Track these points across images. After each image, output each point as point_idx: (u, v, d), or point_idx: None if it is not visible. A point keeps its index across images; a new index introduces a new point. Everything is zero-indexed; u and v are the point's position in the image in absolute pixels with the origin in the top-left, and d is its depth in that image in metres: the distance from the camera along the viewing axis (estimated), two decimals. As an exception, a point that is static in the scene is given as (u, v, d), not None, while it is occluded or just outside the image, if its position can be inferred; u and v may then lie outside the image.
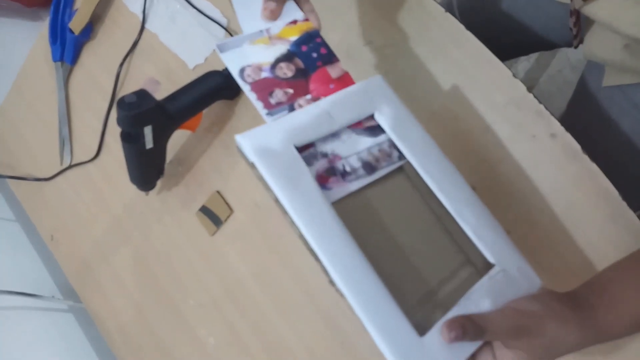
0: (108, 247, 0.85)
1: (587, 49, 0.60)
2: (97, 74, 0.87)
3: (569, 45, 0.75)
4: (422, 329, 0.38)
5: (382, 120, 0.47)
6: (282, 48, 0.49)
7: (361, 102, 0.47)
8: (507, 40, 0.72)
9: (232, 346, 0.72)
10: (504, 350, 0.38)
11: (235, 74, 0.46)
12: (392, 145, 0.46)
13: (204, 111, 0.73)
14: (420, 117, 0.49)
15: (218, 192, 0.74)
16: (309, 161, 0.43)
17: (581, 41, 0.62)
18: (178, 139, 0.77)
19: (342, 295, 0.39)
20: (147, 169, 0.71)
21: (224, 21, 0.74)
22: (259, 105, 0.45)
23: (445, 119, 0.59)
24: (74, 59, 0.88)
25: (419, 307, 0.41)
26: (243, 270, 0.72)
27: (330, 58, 0.49)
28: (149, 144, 0.66)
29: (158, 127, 0.65)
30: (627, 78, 0.57)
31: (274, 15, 0.48)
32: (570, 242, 0.52)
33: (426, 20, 0.61)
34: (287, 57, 0.48)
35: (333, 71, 0.49)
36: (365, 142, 0.46)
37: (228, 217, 0.73)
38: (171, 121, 0.67)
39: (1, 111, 0.99)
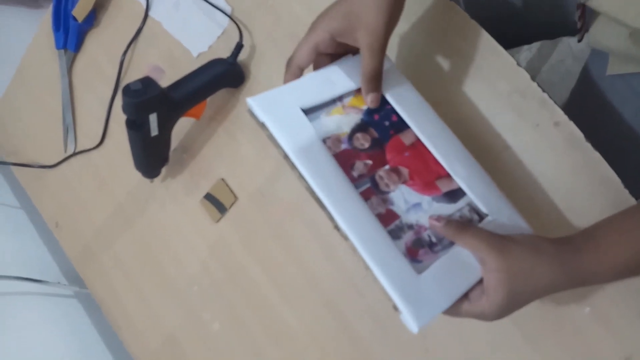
0: (112, 234, 0.85)
1: (593, 38, 0.60)
2: (100, 62, 0.87)
3: (572, 34, 0.75)
4: (419, 268, 0.43)
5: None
6: (355, 117, 0.50)
7: (357, 72, 0.50)
8: (510, 29, 0.72)
9: (236, 331, 0.73)
10: (489, 275, 0.41)
11: (316, 139, 0.47)
12: (473, 209, 0.48)
13: (209, 99, 0.73)
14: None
15: (222, 179, 0.74)
16: (396, 235, 0.45)
17: (586, 31, 0.62)
18: (183, 126, 0.78)
19: (346, 238, 0.43)
20: (152, 156, 0.71)
21: (228, 9, 0.74)
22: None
23: (448, 107, 0.59)
24: (77, 46, 0.88)
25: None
26: (247, 257, 0.72)
27: (401, 125, 0.51)
28: (154, 131, 0.66)
29: (163, 115, 0.66)
30: (631, 67, 0.57)
31: (378, 102, 0.49)
32: (572, 230, 0.53)
33: (430, 10, 0.61)
34: (362, 127, 0.49)
35: (406, 138, 0.50)
36: (447, 209, 0.47)
37: (232, 204, 0.73)
38: (176, 109, 0.68)
39: (4, 99, 1.00)
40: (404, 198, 0.47)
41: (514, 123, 0.56)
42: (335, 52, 0.52)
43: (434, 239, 0.46)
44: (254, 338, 0.72)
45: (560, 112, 0.54)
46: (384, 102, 0.51)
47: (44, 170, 0.93)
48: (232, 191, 0.73)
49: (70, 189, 0.91)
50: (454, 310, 0.43)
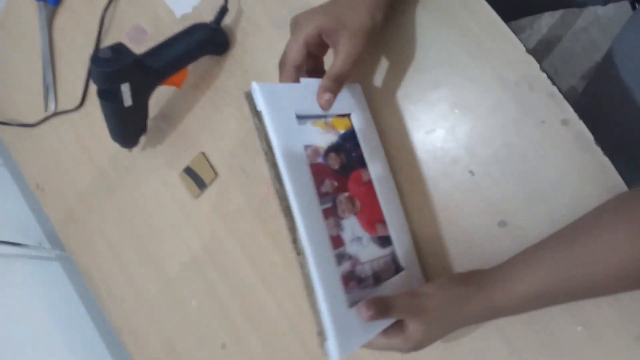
0: (94, 200, 0.82)
1: None
2: (83, 16, 0.81)
3: (598, 2, 0.68)
4: (351, 302, 0.45)
5: (354, 121, 0.54)
6: (333, 137, 0.51)
7: (346, 97, 0.54)
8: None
9: (214, 310, 0.71)
10: (411, 323, 0.45)
11: (301, 146, 0.47)
12: (394, 260, 0.52)
13: (190, 66, 0.68)
14: (424, 85, 0.54)
15: (203, 153, 0.70)
16: (338, 260, 0.46)
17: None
18: (163, 93, 0.73)
19: (299, 253, 0.44)
20: (126, 127, 0.67)
21: (215, -35, 0.67)
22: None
23: (449, 91, 0.53)
24: (57, -1, 0.82)
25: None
26: (226, 236, 0.69)
27: (363, 161, 0.53)
28: (128, 101, 0.61)
29: (137, 84, 0.60)
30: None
31: (329, 105, 0.48)
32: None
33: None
34: (336, 148, 0.50)
35: (364, 175, 0.53)
36: (376, 252, 0.51)
37: (212, 180, 0.69)
38: (152, 77, 0.62)
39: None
40: (352, 228, 0.49)
41: (518, 117, 0.50)
42: (317, 54, 0.52)
43: (362, 275, 0.48)
44: (232, 319, 0.69)
45: (570, 110, 0.48)
46: (353, 134, 0.53)
47: (25, 129, 0.89)
48: (212, 166, 0.69)
49: (52, 150, 0.87)
50: (369, 343, 0.46)
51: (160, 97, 0.73)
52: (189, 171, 0.71)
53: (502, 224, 0.51)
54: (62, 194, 0.86)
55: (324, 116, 0.51)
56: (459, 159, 0.53)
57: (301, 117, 0.48)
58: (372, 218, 0.52)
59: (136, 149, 0.76)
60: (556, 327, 0.49)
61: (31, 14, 0.85)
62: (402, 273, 0.52)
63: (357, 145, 0.53)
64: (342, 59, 0.47)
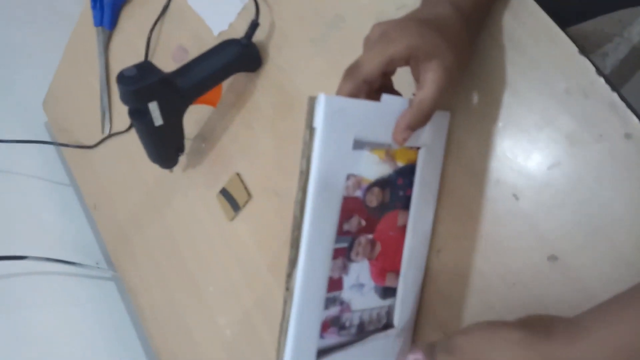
0: (142, 220, 0.83)
1: None
2: (133, 39, 0.83)
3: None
4: (322, 348, 0.42)
5: (421, 157, 0.46)
6: (387, 170, 0.44)
7: (424, 130, 0.44)
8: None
9: (248, 339, 0.67)
10: None
11: (343, 178, 0.41)
12: (388, 313, 0.48)
13: (227, 84, 0.66)
14: (460, 105, 0.47)
15: (238, 174, 0.67)
16: (327, 304, 0.42)
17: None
18: (203, 113, 0.72)
19: (287, 289, 0.40)
20: (160, 147, 0.66)
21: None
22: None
23: (491, 107, 0.46)
24: (113, 23, 0.84)
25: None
26: (259, 260, 0.65)
27: (407, 203, 0.46)
28: (158, 120, 0.60)
29: (166, 103, 0.59)
30: None
31: (404, 143, 0.42)
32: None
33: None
34: (383, 184, 0.44)
35: (402, 218, 0.47)
36: (374, 302, 0.46)
37: (246, 202, 0.66)
38: (181, 96, 0.61)
39: (57, 77, 1.00)
40: (358, 274, 0.45)
41: (570, 131, 0.42)
42: (389, 73, 0.43)
43: (347, 324, 0.45)
44: (263, 344, 0.65)
45: (635, 120, 0.39)
46: (411, 171, 0.46)
47: (85, 151, 0.92)
48: (246, 188, 0.66)
49: (107, 171, 0.89)
50: None
51: (199, 117, 0.72)
52: (224, 192, 0.69)
53: (553, 258, 0.43)
54: (114, 214, 0.88)
55: (389, 144, 0.43)
56: (501, 181, 0.45)
57: (360, 142, 0.41)
58: (387, 266, 0.47)
59: (178, 170, 0.75)
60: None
61: (91, 41, 0.89)
62: (390, 331, 0.48)
63: (409, 184, 0.46)
64: (434, 89, 0.39)
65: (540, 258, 0.43)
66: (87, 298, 0.88)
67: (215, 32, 0.69)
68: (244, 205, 0.66)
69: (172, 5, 0.76)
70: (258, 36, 0.63)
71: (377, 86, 0.41)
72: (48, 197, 0.95)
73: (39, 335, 0.79)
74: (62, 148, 0.98)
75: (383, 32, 0.41)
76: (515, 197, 0.45)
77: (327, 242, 0.40)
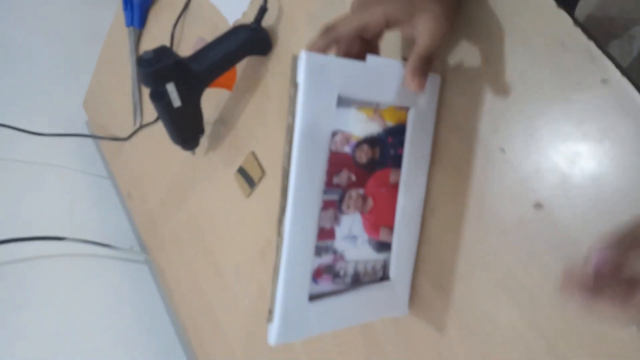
0: (169, 205, 0.88)
1: None
2: (160, 36, 0.89)
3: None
4: (313, 292, 0.45)
5: (411, 117, 0.48)
6: (375, 128, 0.47)
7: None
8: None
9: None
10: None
11: (328, 133, 0.43)
12: (384, 267, 0.50)
13: (241, 69, 0.70)
14: (450, 68, 0.49)
15: (253, 152, 0.71)
16: (320, 252, 0.45)
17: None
18: (221, 98, 0.76)
19: (280, 235, 0.43)
20: (180, 127, 0.71)
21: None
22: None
23: (469, 61, 0.48)
24: (142, 23, 0.91)
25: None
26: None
27: (399, 162, 0.49)
28: (176, 102, 0.65)
29: (183, 85, 0.64)
30: None
31: (423, 87, 0.43)
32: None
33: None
34: (372, 142, 0.47)
35: (394, 176, 0.49)
36: (369, 254, 0.49)
37: (260, 178, 0.70)
38: (197, 79, 0.66)
39: (96, 75, 1.08)
40: (350, 226, 0.47)
41: (551, 82, 0.43)
42: (370, 40, 0.46)
43: (341, 272, 0.47)
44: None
45: (612, 66, 0.40)
46: (401, 130, 0.48)
47: (121, 143, 0.99)
48: (260, 165, 0.70)
49: (139, 161, 0.95)
50: None
51: (218, 103, 0.77)
52: (241, 170, 0.73)
53: (538, 206, 0.44)
54: (146, 201, 0.93)
55: (377, 103, 0.46)
56: (489, 137, 0.47)
57: (346, 100, 0.44)
58: (380, 221, 0.49)
59: (200, 154, 0.80)
60: (607, 328, 0.40)
61: (124, 40, 0.96)
62: (386, 283, 0.50)
63: (400, 143, 0.48)
64: (429, 37, 0.42)
65: (527, 206, 0.45)
66: (122, 279, 0.94)
67: (230, 22, 0.74)
68: (258, 182, 0.70)
69: (192, 1, 0.81)
70: (267, 21, 0.67)
71: (356, 50, 0.44)
72: (87, 188, 1.03)
73: (75, 312, 0.85)
74: (100, 142, 1.05)
75: (361, 3, 0.44)
76: (502, 150, 0.46)
77: (315, 191, 0.43)
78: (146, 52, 0.61)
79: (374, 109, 0.46)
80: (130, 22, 0.91)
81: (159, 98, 0.65)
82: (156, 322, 0.92)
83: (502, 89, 0.46)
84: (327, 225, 0.45)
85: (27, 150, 0.97)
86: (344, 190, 0.46)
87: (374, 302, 0.50)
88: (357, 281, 0.49)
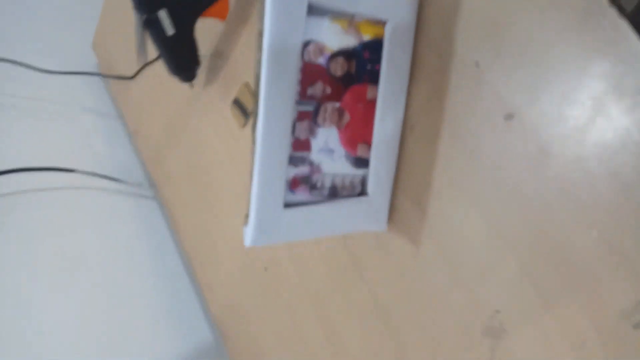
0: (173, 140, 0.90)
1: None
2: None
3: None
4: (289, 201, 0.47)
5: (387, 32, 0.48)
6: (351, 41, 0.47)
7: (388, 1, 0.47)
8: None
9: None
10: None
11: (299, 41, 0.44)
12: (362, 182, 0.51)
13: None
14: None
15: (247, 83, 0.72)
16: (296, 162, 0.46)
17: None
18: (217, 30, 0.77)
19: (253, 142, 0.44)
20: (174, 56, 0.72)
21: None
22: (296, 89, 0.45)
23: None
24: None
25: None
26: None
27: (376, 78, 0.49)
28: (170, 29, 0.66)
29: (176, 12, 0.65)
30: None
31: None
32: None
33: None
34: (348, 55, 0.47)
35: (371, 92, 0.49)
36: (346, 169, 0.50)
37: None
38: (191, 6, 0.67)
39: (103, 16, 1.09)
40: (326, 139, 0.48)
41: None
42: None
43: (319, 184, 0.48)
44: (274, 249, 0.71)
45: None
46: (378, 45, 0.48)
47: (128, 82, 1.01)
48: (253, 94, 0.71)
49: (144, 98, 0.97)
50: None
51: (214, 34, 0.77)
52: (236, 102, 0.74)
53: (509, 116, 0.44)
54: (151, 137, 0.96)
55: (352, 15, 0.46)
56: (465, 53, 0.47)
57: (318, 9, 0.44)
58: (357, 137, 0.49)
59: (199, 87, 0.81)
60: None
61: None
62: (364, 198, 0.51)
63: (378, 59, 0.49)
64: None
65: (498, 118, 0.45)
66: (131, 214, 0.98)
67: (225, -50, 0.74)
68: (251, 112, 0.72)
69: None
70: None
71: None
72: (96, 125, 1.06)
73: (84, 245, 0.90)
74: (109, 82, 1.07)
75: None
76: (477, 64, 0.46)
77: (287, 99, 0.44)
78: (137, -22, 0.62)
79: (348, 20, 0.46)
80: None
81: (153, 26, 0.66)
82: (164, 252, 0.96)
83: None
84: (302, 136, 0.47)
85: (37, 88, 1.00)
86: (319, 102, 0.47)
87: (351, 216, 0.51)
88: (335, 194, 0.50)
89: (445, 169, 0.49)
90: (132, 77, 0.99)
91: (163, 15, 0.64)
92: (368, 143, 0.51)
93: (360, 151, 0.51)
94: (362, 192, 0.52)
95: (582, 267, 0.41)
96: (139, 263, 0.93)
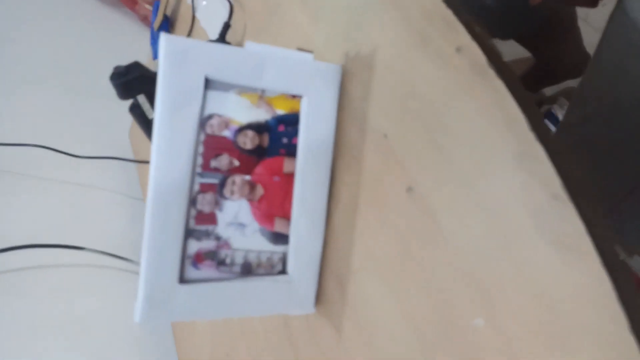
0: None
1: None
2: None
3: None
4: (189, 276, 0.45)
5: (304, 107, 0.47)
6: (262, 116, 0.47)
7: (303, 77, 0.47)
8: None
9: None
10: None
11: (196, 115, 0.44)
12: (282, 259, 0.49)
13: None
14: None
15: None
16: (199, 236, 0.45)
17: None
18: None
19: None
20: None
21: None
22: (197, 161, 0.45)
23: (364, 50, 0.47)
24: (163, 54, 1.00)
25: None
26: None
27: (294, 151, 0.48)
28: (150, 113, 0.71)
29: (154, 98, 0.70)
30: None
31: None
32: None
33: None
34: (259, 128, 0.46)
35: (288, 165, 0.48)
36: (262, 245, 0.48)
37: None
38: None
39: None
40: (236, 212, 0.46)
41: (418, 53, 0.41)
42: None
43: (228, 260, 0.46)
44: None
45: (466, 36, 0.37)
46: (294, 120, 0.48)
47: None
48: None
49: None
50: None
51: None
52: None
53: (410, 190, 0.41)
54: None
55: (262, 90, 0.46)
56: (376, 126, 0.45)
57: (220, 83, 0.45)
58: (274, 211, 0.48)
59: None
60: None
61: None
62: (284, 277, 0.48)
63: (294, 132, 0.48)
64: None
65: (401, 191, 0.42)
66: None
67: (212, 37, 0.79)
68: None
69: (195, 27, 0.89)
70: (231, 37, 0.71)
71: None
72: (120, 206, 1.12)
73: (90, 320, 0.92)
74: (139, 167, 1.15)
75: None
76: (385, 136, 0.44)
77: (182, 171, 0.44)
78: (118, 67, 0.68)
79: (258, 95, 0.47)
80: (155, 56, 1.01)
81: (136, 110, 0.71)
82: (164, 340, 0.95)
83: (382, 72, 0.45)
84: (206, 209, 0.46)
85: (70, 171, 1.10)
86: (225, 175, 0.46)
87: (269, 296, 0.48)
88: (249, 272, 0.48)
89: (361, 242, 0.46)
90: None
91: (142, 99, 0.69)
92: (287, 218, 0.49)
93: (278, 226, 0.49)
94: (283, 271, 0.49)
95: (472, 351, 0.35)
96: (141, 341, 0.93)
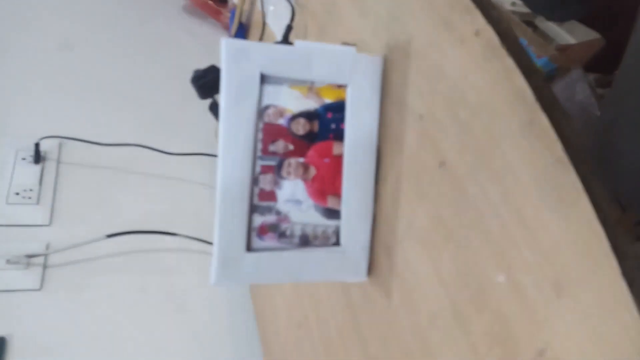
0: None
1: None
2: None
3: None
4: (255, 246, 0.52)
5: (349, 95, 0.53)
6: (312, 105, 0.53)
7: (346, 68, 0.52)
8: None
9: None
10: None
11: (254, 106, 0.51)
12: (335, 232, 0.54)
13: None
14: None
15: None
16: (262, 211, 0.51)
17: None
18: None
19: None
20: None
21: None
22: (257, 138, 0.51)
23: (401, 39, 0.52)
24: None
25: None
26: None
27: (342, 135, 0.54)
28: (226, 111, 0.80)
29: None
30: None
31: None
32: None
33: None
34: (309, 116, 0.52)
35: (337, 148, 0.54)
36: (317, 219, 0.54)
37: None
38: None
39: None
40: (292, 191, 0.52)
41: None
42: None
43: (288, 232, 0.52)
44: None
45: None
46: (341, 107, 0.53)
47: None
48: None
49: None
50: None
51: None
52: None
53: (442, 164, 0.45)
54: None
55: (311, 82, 0.52)
56: (415, 108, 0.50)
57: (275, 78, 0.51)
58: (326, 190, 0.54)
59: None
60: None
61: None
62: (338, 248, 0.53)
63: (342, 118, 0.54)
64: None
65: (434, 166, 0.46)
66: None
67: (279, 39, 0.87)
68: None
69: (265, 31, 0.97)
70: (294, 37, 0.78)
71: None
72: (207, 197, 1.24)
73: (180, 300, 1.03)
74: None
75: None
76: (421, 117, 0.49)
77: (246, 155, 0.51)
78: (197, 70, 0.77)
79: (308, 87, 0.53)
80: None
81: (213, 108, 0.80)
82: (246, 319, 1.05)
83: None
84: (267, 188, 0.53)
85: (164, 166, 1.23)
86: (282, 158, 0.53)
87: (325, 265, 0.55)
88: (306, 243, 0.54)
89: (403, 213, 0.51)
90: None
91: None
92: (338, 195, 0.55)
93: (331, 203, 0.55)
94: (337, 243, 0.55)
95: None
96: (230, 322, 1.03)
